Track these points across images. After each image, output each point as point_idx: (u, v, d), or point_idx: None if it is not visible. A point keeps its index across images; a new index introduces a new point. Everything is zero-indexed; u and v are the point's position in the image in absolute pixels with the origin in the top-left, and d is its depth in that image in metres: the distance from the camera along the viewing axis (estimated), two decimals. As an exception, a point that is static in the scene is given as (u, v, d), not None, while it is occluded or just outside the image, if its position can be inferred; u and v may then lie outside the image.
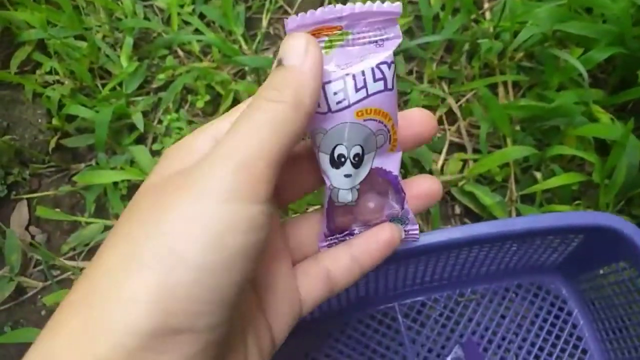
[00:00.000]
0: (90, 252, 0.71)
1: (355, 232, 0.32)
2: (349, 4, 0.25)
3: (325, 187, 0.29)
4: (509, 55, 0.73)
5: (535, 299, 0.60)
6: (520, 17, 0.71)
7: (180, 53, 0.83)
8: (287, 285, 0.30)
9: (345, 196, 0.29)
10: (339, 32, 0.25)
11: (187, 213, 0.21)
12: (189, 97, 0.79)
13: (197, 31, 0.81)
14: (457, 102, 0.74)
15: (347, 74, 0.26)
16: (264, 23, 0.84)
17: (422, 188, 0.32)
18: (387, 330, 0.59)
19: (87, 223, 0.72)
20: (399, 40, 0.26)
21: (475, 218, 0.68)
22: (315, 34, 0.25)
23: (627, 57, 0.69)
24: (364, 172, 0.29)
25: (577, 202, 0.67)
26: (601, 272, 0.55)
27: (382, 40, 0.26)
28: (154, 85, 0.80)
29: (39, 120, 0.77)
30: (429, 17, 0.77)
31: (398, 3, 0.25)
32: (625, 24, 0.66)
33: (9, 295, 0.69)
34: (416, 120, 0.30)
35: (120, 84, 0.79)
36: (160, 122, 0.78)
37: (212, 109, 0.78)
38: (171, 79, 0.79)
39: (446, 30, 0.75)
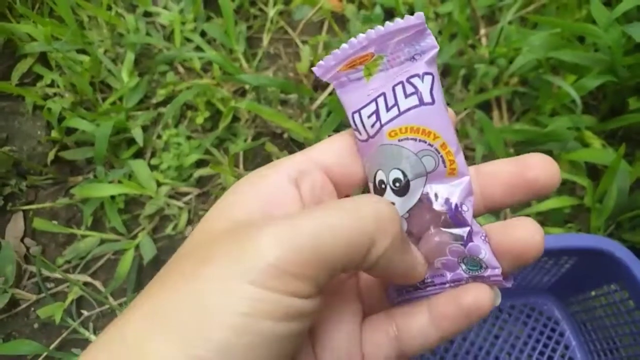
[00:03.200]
0: (86, 265, 0.71)
1: (428, 280, 0.26)
2: (369, 30, 0.24)
3: None
4: (505, 80, 0.75)
5: (528, 320, 0.61)
6: (516, 43, 0.74)
7: (181, 69, 0.84)
8: (349, 345, 0.26)
9: None
10: (372, 58, 0.24)
11: (220, 287, 0.19)
12: (189, 113, 0.80)
13: (198, 48, 0.83)
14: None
15: (379, 95, 0.24)
16: (265, 42, 0.86)
17: (517, 236, 0.24)
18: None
19: (84, 236, 0.72)
20: (435, 50, 0.24)
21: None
22: (350, 66, 0.24)
23: (617, 85, 0.71)
24: (411, 200, 0.25)
25: (569, 225, 0.68)
26: (592, 294, 0.57)
27: (418, 54, 0.24)
28: (154, 101, 0.81)
29: (39, 132, 0.78)
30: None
31: (419, 13, 0.23)
32: (616, 53, 0.69)
33: (2, 307, 0.69)
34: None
35: (120, 99, 0.79)
36: (159, 137, 0.78)
37: (212, 125, 0.79)
38: (172, 94, 0.80)
39: (443, 55, 0.77)
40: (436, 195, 0.24)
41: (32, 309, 0.70)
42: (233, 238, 0.21)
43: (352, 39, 0.24)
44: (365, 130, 0.25)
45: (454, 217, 0.24)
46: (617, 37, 0.68)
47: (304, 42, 0.85)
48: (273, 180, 0.25)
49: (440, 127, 0.24)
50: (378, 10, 0.83)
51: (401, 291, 0.27)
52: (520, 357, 0.59)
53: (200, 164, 0.76)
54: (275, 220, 0.20)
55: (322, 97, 0.78)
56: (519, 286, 0.60)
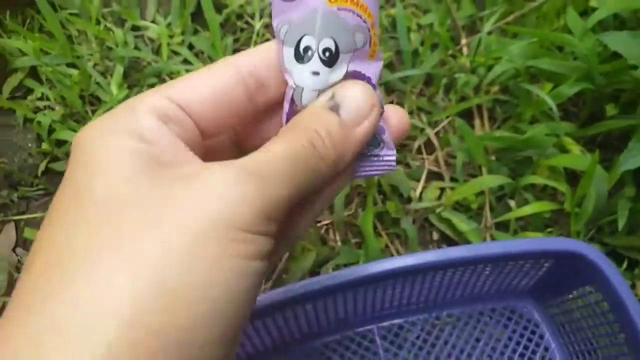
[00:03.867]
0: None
1: None
2: None
3: (286, 90, 0.25)
4: (485, 88, 0.77)
5: (508, 323, 0.62)
6: (495, 53, 0.76)
7: (170, 81, 0.86)
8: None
9: (310, 98, 0.24)
10: None
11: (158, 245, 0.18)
12: (177, 124, 0.81)
13: (186, 61, 0.84)
14: (435, 133, 0.77)
15: None
16: (252, 54, 0.87)
17: (391, 121, 0.27)
18: (366, 352, 0.60)
19: (73, 246, 0.73)
20: None
21: (452, 244, 0.70)
22: None
23: (595, 92, 0.73)
24: (336, 74, 0.24)
25: (549, 229, 0.69)
26: (570, 296, 0.58)
27: None
28: (143, 112, 0.82)
29: (29, 145, 0.79)
30: (408, 52, 0.81)
31: None
32: (592, 61, 0.71)
33: (-8, 317, 0.69)
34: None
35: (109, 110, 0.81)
36: (148, 147, 0.79)
37: (200, 136, 0.81)
38: (160, 106, 0.82)
39: (425, 65, 0.79)
40: (360, 72, 0.25)
41: (23, 318, 0.71)
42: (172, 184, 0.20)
43: None
44: None
45: None
46: (592, 46, 0.70)
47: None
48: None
49: (374, 6, 0.24)
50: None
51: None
52: (501, 359, 0.60)
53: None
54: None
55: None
56: (499, 289, 0.61)
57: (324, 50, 0.23)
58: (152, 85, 0.85)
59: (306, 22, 0.23)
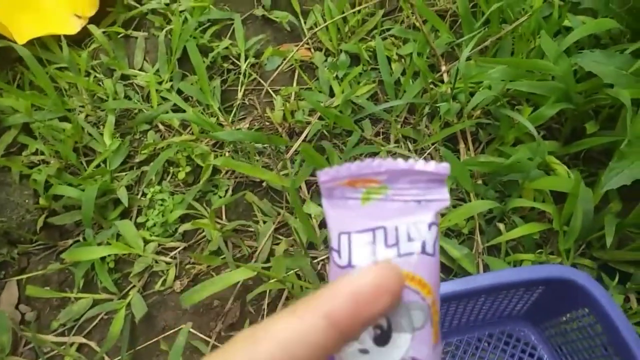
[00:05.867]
0: (80, 326, 0.73)
1: None
2: (388, 159, 0.22)
3: None
4: (467, 114, 0.79)
5: (506, 347, 0.63)
6: (475, 77, 0.77)
7: (161, 127, 0.87)
8: None
9: None
10: (377, 185, 0.23)
11: None
12: (171, 169, 0.83)
13: (176, 106, 0.86)
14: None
15: (379, 227, 0.22)
16: (239, 95, 0.89)
17: None
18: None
19: (77, 298, 0.75)
20: (446, 204, 0.23)
21: (446, 270, 0.72)
22: (352, 184, 0.23)
23: (574, 110, 0.75)
24: (390, 356, 0.21)
25: (539, 250, 0.71)
26: (564, 318, 0.59)
27: (426, 200, 0.23)
28: (137, 160, 0.84)
29: (26, 201, 0.80)
30: (390, 83, 0.83)
31: (445, 165, 0.22)
32: (568, 82, 0.72)
33: (0, 376, 0.70)
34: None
35: (104, 161, 0.83)
36: (144, 194, 0.81)
37: (194, 179, 0.82)
38: (153, 152, 0.84)
39: (407, 94, 0.81)
40: None
41: (31, 375, 0.72)
42: None
43: (369, 160, 0.23)
44: (349, 257, 0.22)
45: None
46: (566, 68, 0.72)
47: (276, 92, 0.89)
48: None
49: (435, 283, 0.22)
50: (343, 57, 0.87)
51: None
52: (502, 384, 0.61)
53: (184, 218, 0.79)
54: None
55: (297, 144, 0.81)
56: (495, 314, 0.63)
57: (375, 327, 0.21)
58: (144, 132, 0.87)
59: None
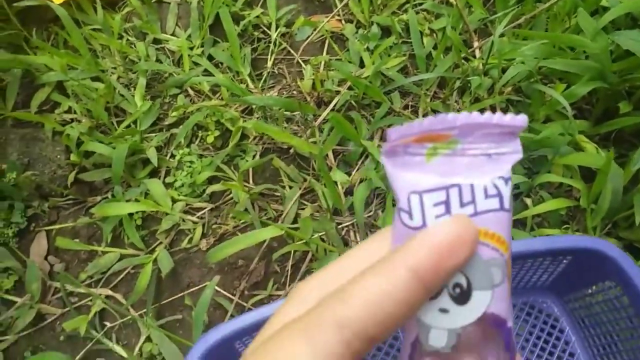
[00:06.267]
0: (107, 279, 0.75)
1: None
2: (464, 113, 0.21)
3: (407, 325, 0.22)
4: (498, 90, 0.79)
5: (529, 318, 0.64)
6: (508, 55, 0.77)
7: (191, 92, 0.88)
8: None
9: (438, 339, 0.22)
10: (447, 140, 0.22)
11: None
12: (200, 133, 0.84)
13: (206, 72, 0.87)
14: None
15: (453, 185, 0.21)
16: (269, 63, 0.90)
17: None
18: (389, 350, 0.62)
19: (104, 252, 0.76)
20: (519, 156, 0.22)
21: (471, 243, 0.72)
22: (419, 140, 0.22)
23: (608, 90, 0.74)
24: (471, 313, 0.21)
25: (565, 226, 0.71)
26: (589, 291, 0.59)
27: (498, 154, 0.22)
28: (167, 122, 0.85)
29: (58, 157, 0.82)
30: (422, 56, 0.83)
31: (523, 117, 0.21)
32: (604, 61, 0.72)
33: (29, 322, 0.72)
34: None
35: (134, 122, 0.84)
36: (172, 156, 0.82)
37: (222, 143, 0.83)
38: (183, 116, 0.85)
39: (438, 68, 0.80)
40: (499, 316, 0.22)
41: (58, 322, 0.73)
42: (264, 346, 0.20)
43: (443, 114, 0.22)
44: (423, 217, 0.21)
45: (508, 343, 0.22)
46: (604, 46, 0.71)
47: (305, 62, 0.89)
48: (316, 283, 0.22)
49: (510, 239, 0.22)
50: (375, 29, 0.87)
51: None
52: (522, 353, 0.62)
53: (212, 180, 0.80)
54: None
55: (325, 113, 0.82)
56: (519, 285, 0.63)
57: (454, 286, 0.21)
58: (174, 96, 0.88)
59: None
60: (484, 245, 0.21)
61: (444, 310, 0.21)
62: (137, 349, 0.70)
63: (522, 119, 0.21)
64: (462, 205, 0.21)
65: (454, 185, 0.21)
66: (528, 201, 0.72)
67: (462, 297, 0.21)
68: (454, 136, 0.21)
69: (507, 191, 0.21)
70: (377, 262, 0.20)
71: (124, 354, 0.70)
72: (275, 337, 0.20)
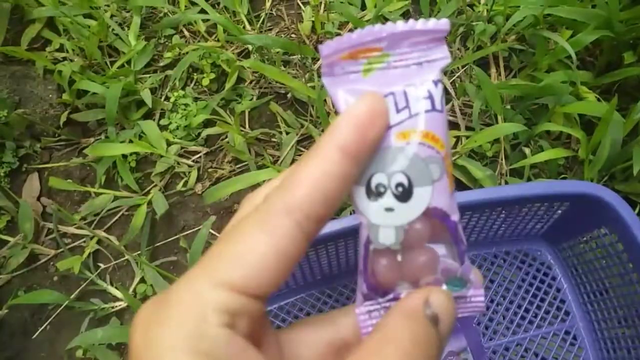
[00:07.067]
0: (100, 221, 0.75)
1: (402, 295, 0.25)
2: (389, 24, 0.22)
3: (360, 231, 0.24)
4: (502, 37, 0.77)
5: (522, 265, 0.64)
6: (513, 1, 0.75)
7: (186, 33, 0.86)
8: None
9: (387, 236, 0.23)
10: (379, 53, 0.23)
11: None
12: (195, 75, 0.82)
13: (202, 11, 0.84)
14: (451, 83, 0.78)
15: (388, 94, 0.23)
16: (267, 4, 0.87)
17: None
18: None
19: (97, 194, 0.75)
20: (447, 61, 0.23)
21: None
22: (353, 56, 0.23)
23: (613, 40, 0.73)
24: (415, 209, 0.23)
25: (563, 176, 0.71)
26: (583, 239, 0.60)
27: (427, 61, 0.23)
28: (161, 63, 0.83)
29: (50, 96, 0.80)
30: (426, 0, 0.80)
31: (445, 20, 0.22)
32: (612, 8, 0.70)
33: (22, 262, 0.72)
34: None
35: (128, 62, 0.82)
36: (167, 98, 0.81)
37: (217, 87, 0.81)
38: (178, 57, 0.82)
39: (442, 14, 0.78)
40: (441, 209, 0.23)
41: (51, 263, 0.73)
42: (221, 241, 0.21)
43: (369, 27, 0.23)
44: None
45: (455, 235, 0.24)
46: (612, -8, 0.69)
47: (305, 4, 0.87)
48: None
49: (445, 138, 0.23)
50: (378, -30, 0.84)
51: (366, 303, 0.25)
52: (514, 299, 0.63)
53: (207, 123, 0.78)
54: None
55: (324, 57, 0.80)
56: (513, 233, 0.63)
57: (397, 185, 0.23)
58: (169, 37, 0.85)
59: (376, 161, 0.23)
60: (420, 144, 0.23)
61: (389, 209, 0.23)
62: (131, 289, 0.70)
63: (444, 22, 0.22)
64: (398, 110, 0.23)
65: (389, 93, 0.23)
66: (527, 150, 0.71)
67: (405, 194, 0.23)
68: (384, 49, 0.23)
69: (438, 93, 0.23)
70: (310, 150, 0.21)
71: (118, 294, 0.70)
72: (232, 233, 0.21)
